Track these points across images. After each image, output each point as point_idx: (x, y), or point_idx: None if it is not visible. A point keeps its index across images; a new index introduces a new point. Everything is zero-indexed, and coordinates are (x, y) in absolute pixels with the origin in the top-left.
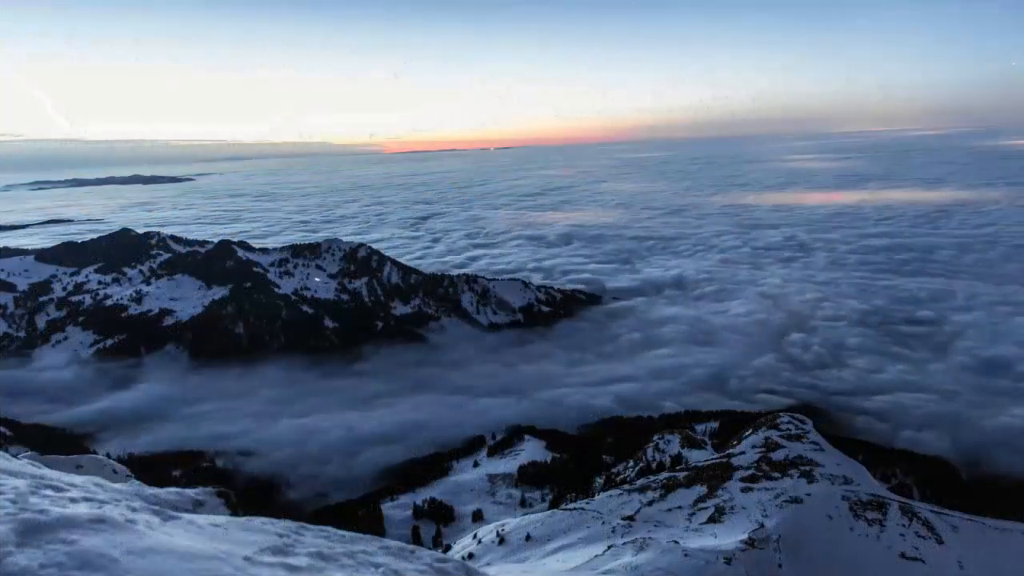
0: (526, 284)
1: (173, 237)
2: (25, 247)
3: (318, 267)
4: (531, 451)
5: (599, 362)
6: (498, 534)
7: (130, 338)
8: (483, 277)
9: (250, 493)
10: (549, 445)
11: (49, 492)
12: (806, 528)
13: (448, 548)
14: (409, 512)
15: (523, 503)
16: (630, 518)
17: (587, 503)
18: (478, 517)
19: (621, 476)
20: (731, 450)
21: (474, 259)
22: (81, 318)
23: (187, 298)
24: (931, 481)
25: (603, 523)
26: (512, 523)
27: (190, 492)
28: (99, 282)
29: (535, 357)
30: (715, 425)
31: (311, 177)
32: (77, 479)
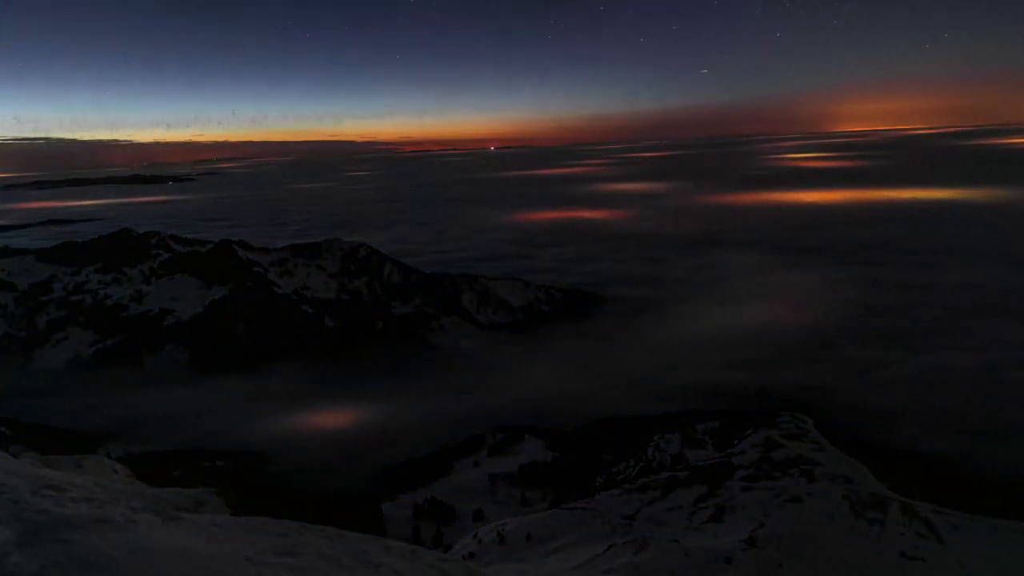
0: (526, 284)
1: (173, 237)
2: (25, 247)
3: (318, 267)
4: (531, 451)
5: (599, 361)
6: (498, 534)
7: (130, 338)
8: (483, 277)
9: (251, 493)
10: (549, 444)
11: (50, 492)
12: (806, 527)
13: (449, 548)
14: (409, 512)
15: (523, 502)
16: (630, 517)
17: (587, 502)
18: (478, 517)
19: (622, 475)
20: (731, 449)
21: (474, 258)
22: (81, 318)
23: (187, 298)
24: (931, 480)
25: (603, 522)
26: (513, 523)
27: (191, 492)
28: (99, 282)
29: (535, 357)
30: (715, 424)
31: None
32: (78, 479)
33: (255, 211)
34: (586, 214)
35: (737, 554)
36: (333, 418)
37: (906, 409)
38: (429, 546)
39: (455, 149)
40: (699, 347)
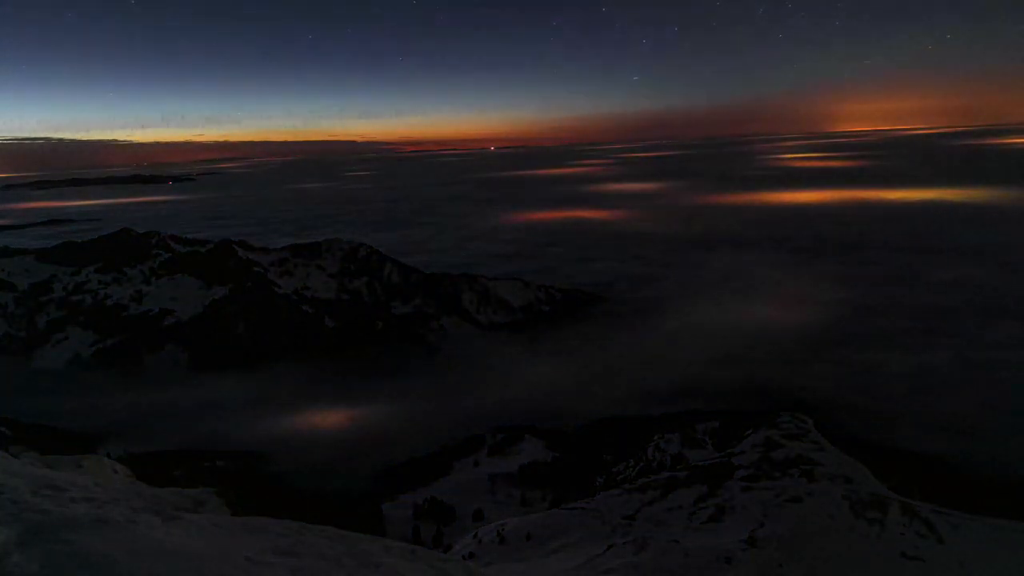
0: (526, 284)
1: (173, 236)
2: (25, 247)
3: (318, 267)
4: (531, 450)
5: (599, 361)
6: (499, 533)
7: (130, 338)
8: (483, 277)
9: (251, 493)
10: (549, 444)
11: (50, 492)
12: (806, 527)
13: (449, 548)
14: (409, 512)
15: (524, 502)
16: (630, 517)
17: (587, 502)
18: (478, 517)
19: (622, 475)
20: (731, 449)
21: (474, 258)
22: (81, 318)
23: (187, 298)
24: (931, 480)
25: (603, 522)
26: (513, 522)
27: (191, 492)
28: (99, 282)
29: (535, 357)
30: (716, 424)
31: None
32: (78, 479)
33: (255, 211)
34: (586, 214)
35: (737, 554)
36: (333, 418)
37: (906, 409)
38: (429, 546)
39: (455, 149)
40: (699, 347)
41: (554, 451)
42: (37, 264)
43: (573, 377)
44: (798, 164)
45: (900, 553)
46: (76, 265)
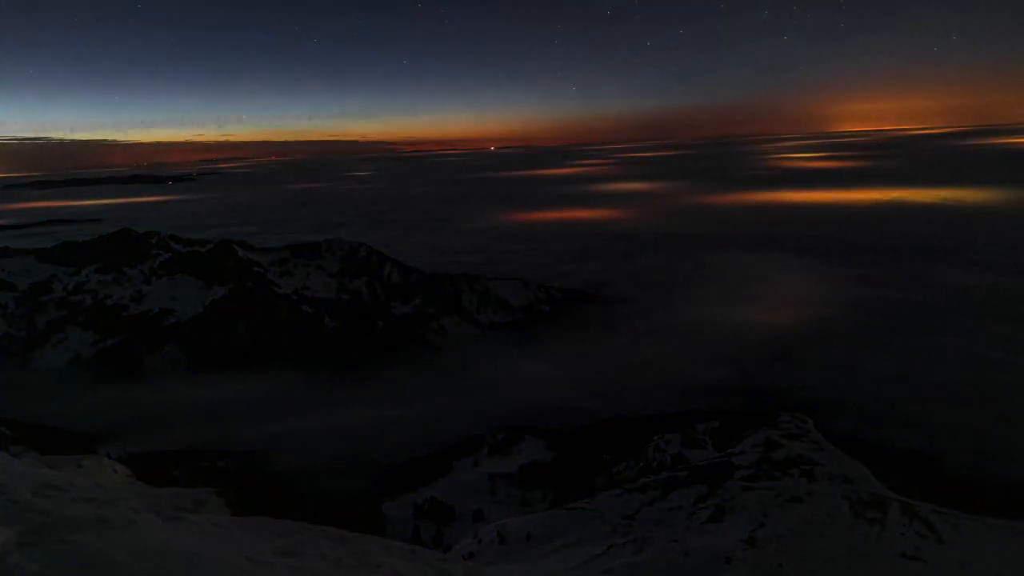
0: (526, 284)
1: (173, 236)
2: (25, 247)
3: (318, 267)
4: (531, 451)
5: (599, 361)
6: (499, 534)
7: (130, 338)
8: (483, 277)
9: (251, 493)
10: (549, 444)
11: (50, 492)
12: (807, 527)
13: (449, 548)
14: (409, 512)
15: (524, 502)
16: (630, 517)
17: (588, 502)
18: (479, 517)
19: (622, 475)
20: (731, 449)
21: (474, 258)
22: (81, 318)
23: (187, 298)
24: (931, 480)
25: (603, 522)
26: (513, 523)
27: (191, 492)
28: (99, 282)
29: (535, 357)
30: (716, 424)
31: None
32: (78, 479)
33: (255, 211)
34: (586, 214)
35: (737, 554)
36: (333, 418)
37: (905, 409)
38: (429, 546)
39: (455, 149)
40: (699, 347)
41: (554, 451)
42: (37, 264)
43: (573, 377)
44: (798, 164)
45: (900, 553)
46: (76, 265)
